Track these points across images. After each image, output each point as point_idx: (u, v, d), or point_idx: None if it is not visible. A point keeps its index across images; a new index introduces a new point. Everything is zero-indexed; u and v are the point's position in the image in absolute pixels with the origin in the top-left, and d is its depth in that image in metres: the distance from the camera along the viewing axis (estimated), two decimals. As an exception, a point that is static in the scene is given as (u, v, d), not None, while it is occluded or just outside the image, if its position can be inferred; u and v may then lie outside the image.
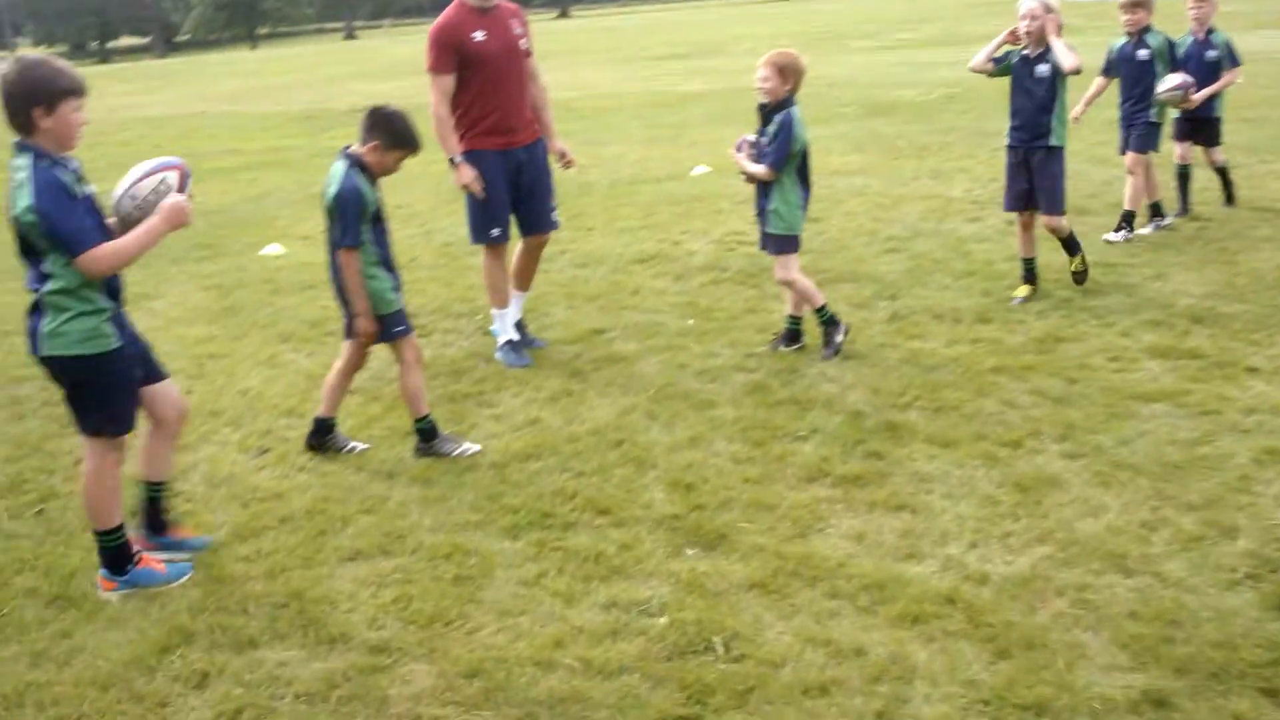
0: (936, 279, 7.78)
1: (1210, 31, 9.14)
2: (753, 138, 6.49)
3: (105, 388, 4.18)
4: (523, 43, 6.69)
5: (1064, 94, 7.03)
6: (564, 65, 33.41)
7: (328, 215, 5.21)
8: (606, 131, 17.17)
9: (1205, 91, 8.82)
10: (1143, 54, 8.60)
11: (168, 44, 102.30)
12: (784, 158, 6.29)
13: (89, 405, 4.19)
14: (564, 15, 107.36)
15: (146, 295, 8.70)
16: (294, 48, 75.90)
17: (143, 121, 25.53)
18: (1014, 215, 7.49)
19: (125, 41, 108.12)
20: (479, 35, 6.48)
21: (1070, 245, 7.36)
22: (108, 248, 3.98)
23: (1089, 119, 9.08)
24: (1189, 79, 8.51)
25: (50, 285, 4.00)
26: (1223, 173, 9.46)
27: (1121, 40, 8.77)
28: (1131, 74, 8.68)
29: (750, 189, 6.64)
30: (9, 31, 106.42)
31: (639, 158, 14.34)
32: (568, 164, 6.93)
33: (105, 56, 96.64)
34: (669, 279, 8.35)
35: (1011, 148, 7.26)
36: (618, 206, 11.05)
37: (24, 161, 3.94)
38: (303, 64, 47.15)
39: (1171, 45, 8.70)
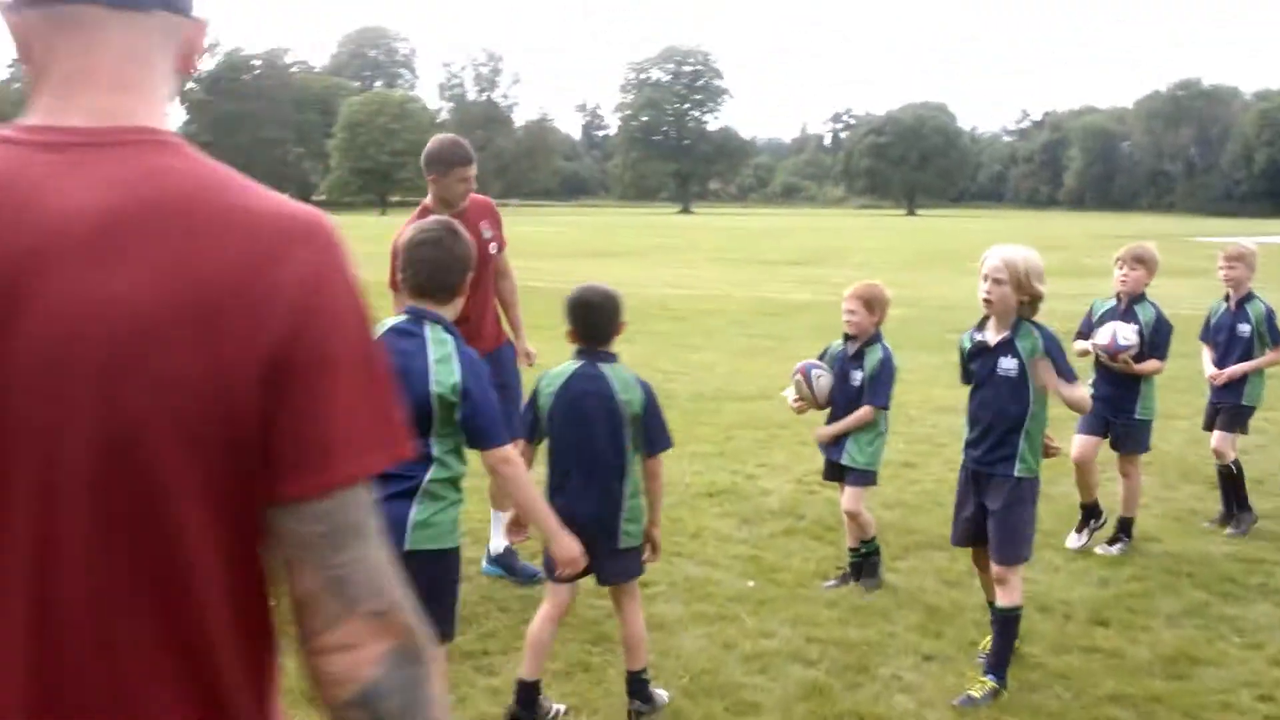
0: (1045, 556, 6.60)
1: (1248, 298, 7.41)
2: (822, 369, 6.17)
3: (455, 585, 4.05)
4: (492, 246, 6.17)
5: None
6: (673, 262, 33.26)
7: (633, 421, 4.50)
8: (700, 336, 16.42)
9: (1235, 369, 7.31)
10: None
11: (302, 201, 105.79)
12: (890, 394, 6.12)
13: (445, 606, 3.86)
14: (686, 211, 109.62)
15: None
16: (419, 218, 77.74)
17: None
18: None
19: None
20: None
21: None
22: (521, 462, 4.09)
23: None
24: (1121, 341, 6.65)
25: (434, 472, 3.81)
26: (1228, 474, 7.43)
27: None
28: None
29: (810, 416, 6.46)
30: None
31: (730, 369, 13.47)
32: (530, 364, 6.52)
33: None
34: (736, 521, 7.35)
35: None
36: (695, 425, 10.13)
37: (446, 336, 3.89)
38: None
39: (1271, 316, 7.29)
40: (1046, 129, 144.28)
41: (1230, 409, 7.39)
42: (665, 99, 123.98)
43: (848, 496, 6.21)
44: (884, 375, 6.06)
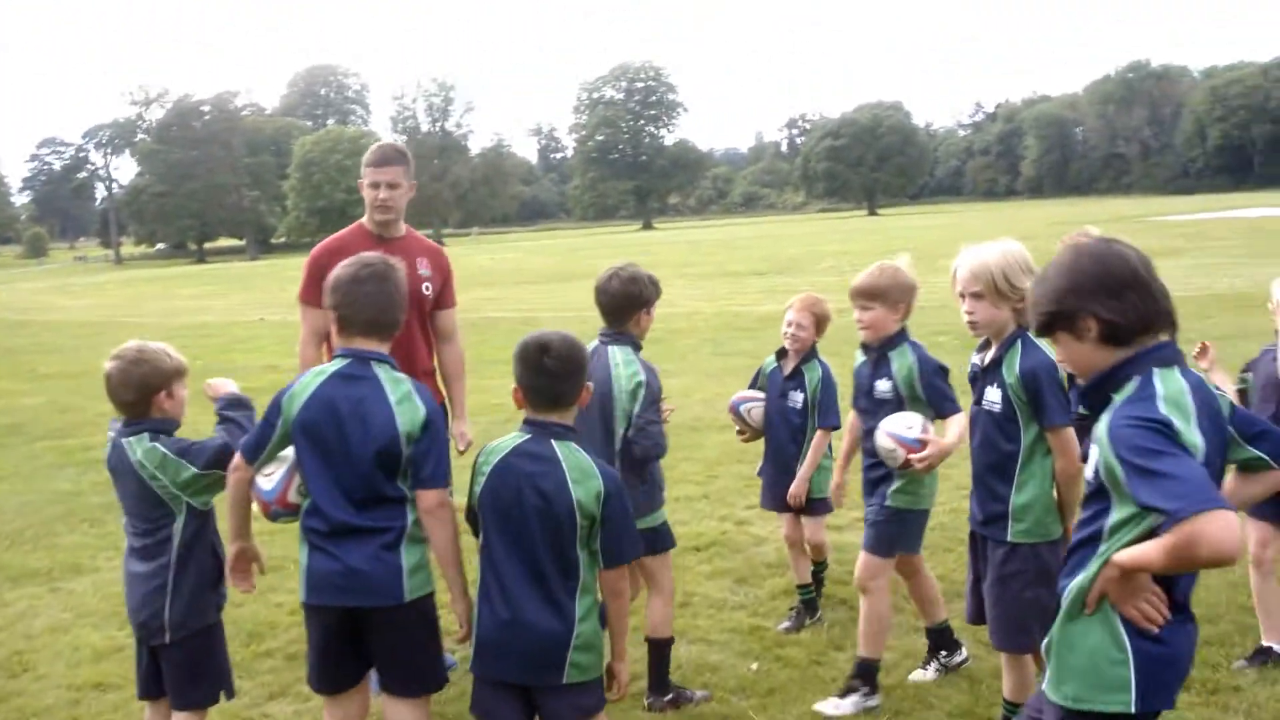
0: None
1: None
2: (751, 400, 5.95)
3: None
4: (426, 287, 5.31)
5: None
6: (639, 280, 32.31)
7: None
8: (675, 359, 15.54)
9: None
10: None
11: (260, 245, 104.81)
12: (838, 410, 5.67)
13: (436, 653, 3.74)
14: (647, 227, 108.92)
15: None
16: (379, 253, 76.58)
17: (192, 329, 24.55)
18: None
19: (223, 242, 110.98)
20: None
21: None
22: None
23: None
24: (906, 437, 4.58)
25: (411, 514, 3.64)
26: None
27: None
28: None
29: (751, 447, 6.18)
30: (114, 230, 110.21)
31: (708, 395, 12.59)
32: (461, 450, 5.29)
33: (202, 257, 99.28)
34: (730, 581, 6.46)
35: None
36: (677, 462, 9.24)
37: (400, 375, 3.77)
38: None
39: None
40: (1000, 120, 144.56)
41: None
42: (619, 116, 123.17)
43: (812, 527, 5.89)
44: (828, 394, 5.72)
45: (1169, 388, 2.67)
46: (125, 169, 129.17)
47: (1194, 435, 2.62)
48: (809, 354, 5.79)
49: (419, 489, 3.61)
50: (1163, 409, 2.61)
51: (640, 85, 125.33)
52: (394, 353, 4.91)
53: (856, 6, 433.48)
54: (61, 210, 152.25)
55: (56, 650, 5.83)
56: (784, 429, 5.80)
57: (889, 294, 4.78)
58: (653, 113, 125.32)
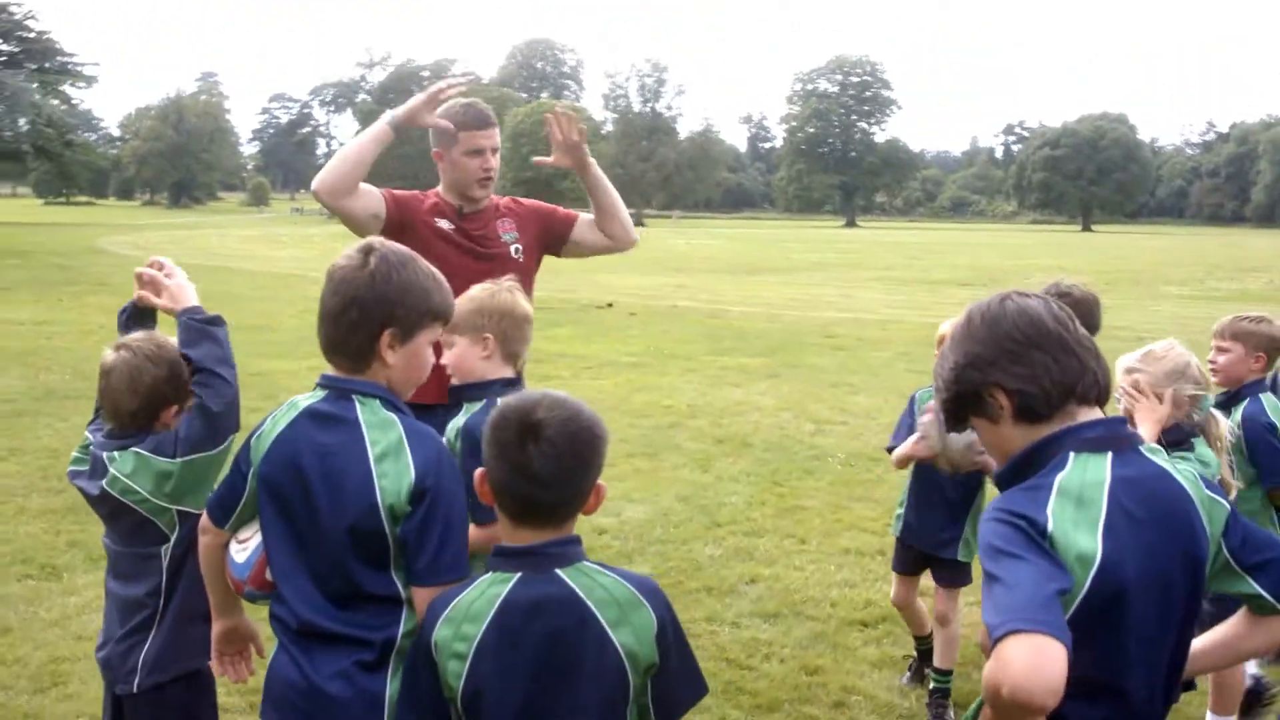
0: None
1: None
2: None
3: None
4: (516, 250, 4.50)
5: None
6: (836, 280, 31.02)
7: None
8: (862, 373, 14.21)
9: None
10: None
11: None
12: None
13: None
14: (851, 224, 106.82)
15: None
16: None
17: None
18: None
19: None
20: (444, 224, 4.43)
21: None
22: None
23: None
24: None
25: (406, 622, 2.49)
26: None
27: None
28: None
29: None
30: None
31: (893, 419, 11.32)
32: None
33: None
34: (893, 672, 5.27)
35: None
36: (849, 500, 8.07)
37: (390, 415, 2.55)
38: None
39: None
40: (1233, 141, 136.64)
41: None
42: (832, 110, 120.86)
43: (947, 598, 4.84)
44: None
45: (1078, 478, 2.08)
46: (345, 127, 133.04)
47: (1082, 540, 2.01)
48: None
49: (413, 585, 2.49)
50: (1049, 504, 2.03)
51: (855, 79, 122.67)
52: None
53: (1085, 13, 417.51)
54: (284, 163, 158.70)
55: (20, 666, 5.01)
56: (936, 478, 4.71)
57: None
58: (866, 108, 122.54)
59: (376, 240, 2.58)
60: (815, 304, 23.59)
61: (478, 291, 3.21)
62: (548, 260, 4.74)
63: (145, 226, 63.41)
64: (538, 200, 4.80)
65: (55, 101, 58.75)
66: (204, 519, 2.73)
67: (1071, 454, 2.13)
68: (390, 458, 2.47)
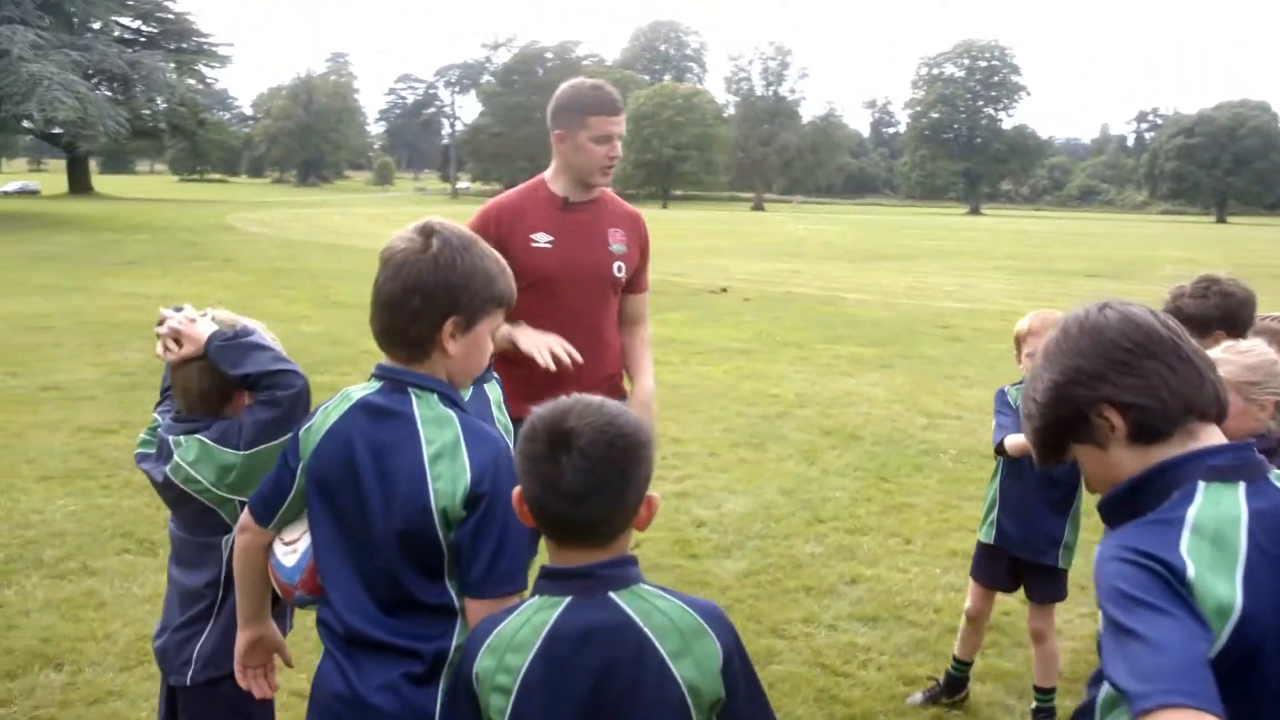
0: None
1: None
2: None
3: None
4: (618, 268, 4.23)
5: None
6: (955, 269, 30.33)
7: None
8: (978, 365, 13.79)
9: None
10: None
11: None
12: None
13: None
14: (975, 212, 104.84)
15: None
16: (699, 211, 76.71)
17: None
18: None
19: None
20: (541, 239, 4.05)
21: None
22: None
23: None
24: None
25: (459, 633, 2.31)
26: None
27: None
28: None
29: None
30: (454, 166, 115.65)
31: (1010, 415, 10.96)
32: None
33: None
34: (1006, 694, 4.94)
35: None
36: (957, 500, 7.80)
37: (447, 411, 2.38)
38: (690, 230, 46.37)
39: None
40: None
41: None
42: (958, 95, 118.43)
43: (1042, 614, 4.56)
44: None
45: (1210, 513, 1.79)
46: (469, 108, 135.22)
47: (1220, 587, 1.72)
48: None
49: (466, 597, 2.32)
50: (1182, 544, 1.74)
51: (983, 64, 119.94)
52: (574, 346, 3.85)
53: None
54: (410, 143, 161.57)
55: (110, 643, 4.98)
56: (1031, 477, 4.39)
57: None
58: (993, 94, 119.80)
59: (436, 220, 2.41)
60: (933, 293, 23.09)
61: None
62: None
63: (273, 204, 64.90)
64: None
65: (191, 81, 60.28)
66: (245, 516, 2.58)
67: (1201, 484, 1.83)
68: (446, 458, 2.30)
